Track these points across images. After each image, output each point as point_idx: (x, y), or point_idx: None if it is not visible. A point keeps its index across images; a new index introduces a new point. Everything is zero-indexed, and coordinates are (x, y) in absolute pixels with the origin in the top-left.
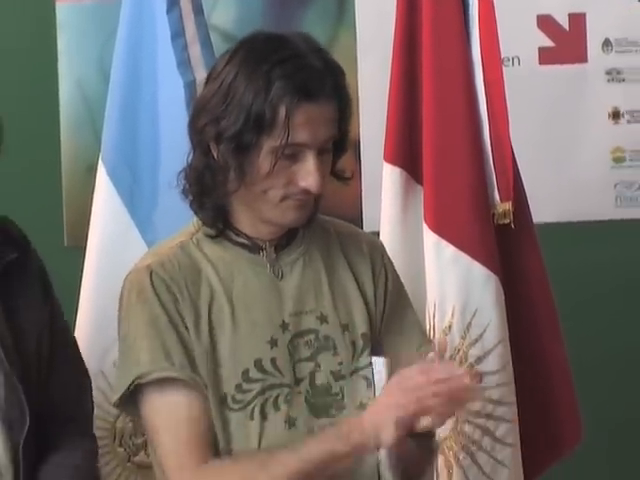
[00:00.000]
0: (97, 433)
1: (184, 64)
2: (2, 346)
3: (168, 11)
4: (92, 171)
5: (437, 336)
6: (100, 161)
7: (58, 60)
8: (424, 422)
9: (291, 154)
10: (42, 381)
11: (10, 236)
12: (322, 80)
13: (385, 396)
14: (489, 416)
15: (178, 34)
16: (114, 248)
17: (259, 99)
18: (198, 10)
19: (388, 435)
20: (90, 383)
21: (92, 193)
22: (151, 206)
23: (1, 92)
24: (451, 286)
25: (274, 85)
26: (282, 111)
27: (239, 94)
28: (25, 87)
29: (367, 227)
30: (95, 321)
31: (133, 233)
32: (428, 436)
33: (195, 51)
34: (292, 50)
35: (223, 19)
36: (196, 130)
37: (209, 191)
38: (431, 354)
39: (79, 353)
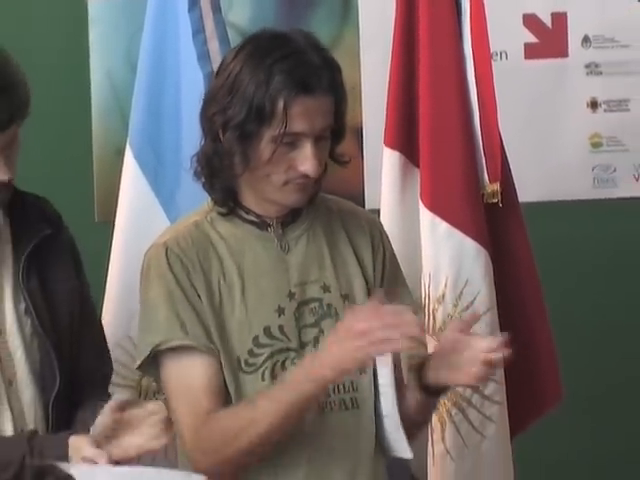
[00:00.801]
0: (125, 390)
1: (204, 57)
2: (37, 315)
3: (189, 10)
4: (120, 154)
5: (432, 305)
6: (127, 145)
7: (90, 53)
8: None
9: (290, 142)
10: (73, 347)
11: (45, 214)
12: (319, 75)
13: (339, 331)
14: None
15: (198, 30)
16: (140, 224)
17: (260, 92)
18: (216, 9)
19: (349, 365)
20: (108, 350)
21: (120, 174)
22: (174, 186)
23: (38, 82)
24: (444, 259)
25: (274, 79)
26: (280, 103)
27: (243, 86)
28: (60, 77)
29: (368, 205)
30: (122, 290)
31: (157, 211)
32: (439, 395)
33: (214, 46)
34: (293, 47)
35: (239, 17)
36: (206, 118)
37: (217, 174)
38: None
39: (101, 323)
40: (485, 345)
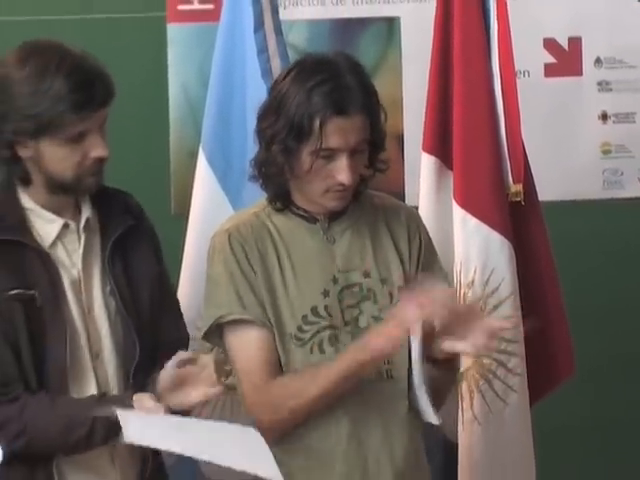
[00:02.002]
0: None
1: (267, 73)
2: (120, 296)
3: (255, 31)
4: (193, 156)
5: (463, 290)
6: (200, 149)
7: (168, 69)
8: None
9: (327, 155)
10: (153, 325)
11: (128, 206)
12: (354, 97)
13: (392, 314)
14: (503, 351)
15: (262, 50)
16: (210, 217)
17: (300, 111)
18: (278, 31)
19: (397, 341)
20: (185, 325)
21: (193, 173)
22: (240, 184)
23: (125, 95)
24: (474, 250)
25: (313, 100)
26: (317, 122)
27: (287, 106)
28: (142, 91)
29: (408, 202)
30: (195, 274)
31: (225, 205)
32: (450, 367)
33: (276, 63)
34: (333, 71)
35: (297, 38)
36: (259, 130)
37: (267, 178)
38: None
39: (178, 301)
40: (496, 322)
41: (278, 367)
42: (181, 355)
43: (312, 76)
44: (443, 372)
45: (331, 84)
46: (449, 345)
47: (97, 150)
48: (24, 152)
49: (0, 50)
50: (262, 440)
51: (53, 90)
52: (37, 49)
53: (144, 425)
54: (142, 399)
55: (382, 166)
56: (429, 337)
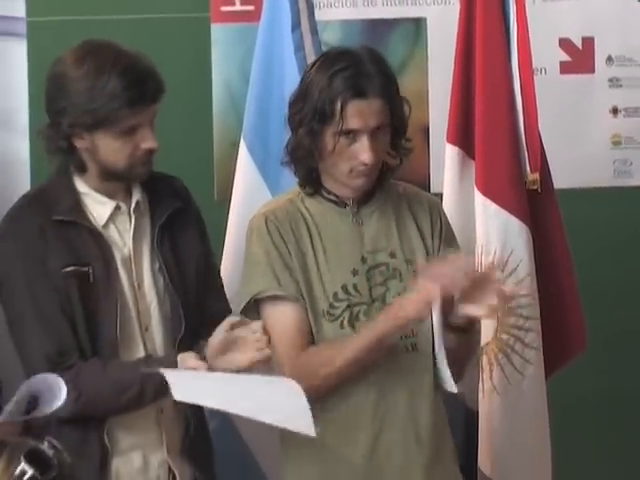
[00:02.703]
0: None
1: (303, 70)
2: (168, 273)
3: (292, 31)
4: (235, 146)
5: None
6: (241, 139)
7: (212, 67)
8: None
9: (349, 137)
10: (199, 300)
11: (176, 190)
12: (372, 82)
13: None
14: (520, 328)
15: (299, 48)
16: (250, 202)
17: (323, 96)
18: (314, 31)
19: (421, 308)
20: (227, 300)
21: (235, 162)
22: (278, 172)
23: (173, 90)
24: (493, 233)
25: (334, 85)
26: (338, 105)
27: (311, 92)
28: (188, 86)
29: (433, 190)
30: (236, 254)
31: (264, 191)
32: (469, 335)
33: (311, 60)
34: (354, 59)
35: (331, 37)
36: (290, 118)
37: (299, 162)
38: None
39: (221, 278)
40: (508, 287)
41: (311, 338)
42: (231, 319)
43: (334, 64)
44: (464, 341)
45: (351, 70)
46: (464, 309)
47: (147, 142)
48: (80, 143)
49: (54, 48)
50: (300, 391)
51: (109, 87)
52: (94, 49)
53: (189, 383)
54: (186, 358)
55: (405, 152)
56: (449, 305)
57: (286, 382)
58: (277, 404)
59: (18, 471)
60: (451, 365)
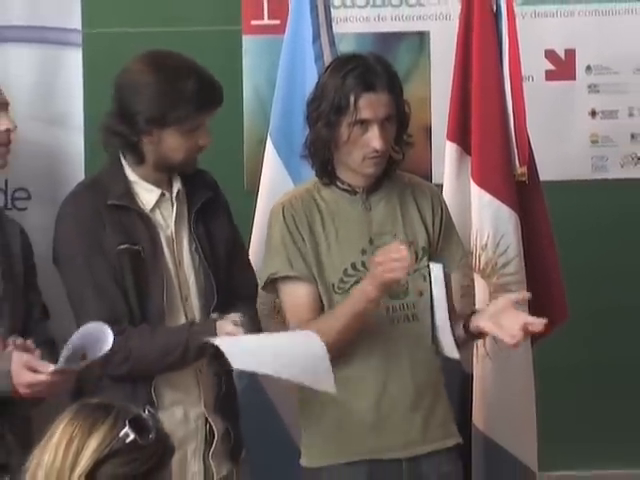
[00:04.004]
0: (265, 306)
1: None
2: (203, 253)
3: (313, 42)
4: (262, 143)
5: (478, 252)
6: (268, 136)
7: (243, 74)
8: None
9: (362, 126)
10: (229, 275)
11: (207, 182)
12: (379, 77)
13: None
14: None
15: (319, 57)
16: (276, 191)
17: (338, 91)
18: (332, 42)
19: (381, 285)
20: (255, 275)
21: (262, 156)
22: (300, 166)
23: None
24: (487, 220)
25: (347, 82)
26: (352, 98)
27: (327, 90)
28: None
29: (434, 181)
30: (263, 238)
31: (288, 182)
32: (476, 337)
33: None
34: (362, 61)
35: (347, 48)
36: (307, 116)
37: (315, 155)
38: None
39: (248, 255)
40: (529, 318)
41: (318, 312)
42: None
43: (346, 65)
44: (469, 337)
45: (361, 68)
46: (486, 326)
47: (204, 139)
48: (148, 139)
49: (104, 56)
50: (324, 350)
51: (185, 91)
52: (163, 58)
53: (239, 351)
54: (223, 325)
55: (407, 146)
56: (468, 317)
57: (313, 340)
58: (305, 366)
59: (122, 434)
60: (454, 337)
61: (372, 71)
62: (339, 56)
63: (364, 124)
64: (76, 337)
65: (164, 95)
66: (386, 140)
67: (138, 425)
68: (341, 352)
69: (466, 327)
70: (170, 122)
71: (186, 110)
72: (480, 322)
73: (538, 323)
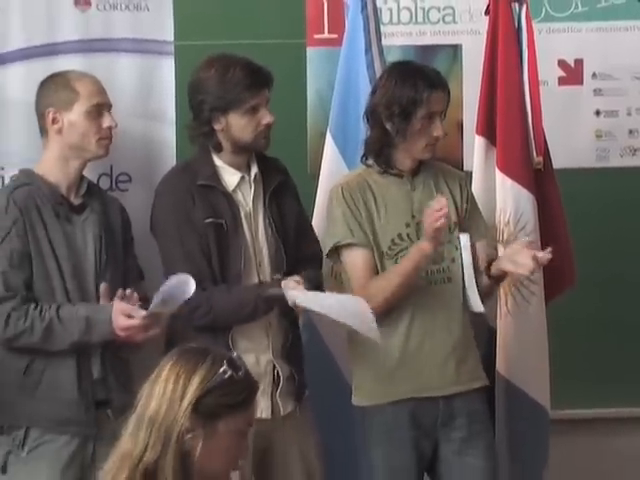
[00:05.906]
0: (323, 271)
1: (373, 82)
2: (275, 226)
3: (365, 53)
4: (323, 136)
5: (502, 227)
6: (328, 131)
7: (307, 79)
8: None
9: (429, 118)
10: (296, 245)
11: (279, 167)
12: (440, 79)
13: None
14: None
15: (370, 66)
16: (334, 175)
17: (412, 91)
18: (381, 53)
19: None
20: (319, 245)
21: (323, 147)
22: (353, 155)
23: (279, 97)
24: (509, 201)
25: (418, 84)
26: (425, 94)
27: (399, 92)
28: (290, 94)
29: (465, 169)
30: (323, 216)
31: (344, 168)
32: (498, 281)
33: (379, 74)
34: (423, 67)
35: (392, 58)
36: (373, 116)
37: (379, 149)
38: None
39: (313, 228)
40: (538, 253)
41: (374, 273)
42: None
43: (413, 73)
44: (493, 283)
45: (423, 73)
46: (505, 266)
47: (266, 118)
48: (217, 126)
49: (191, 62)
50: (368, 307)
51: (234, 78)
52: (216, 57)
53: (293, 293)
54: (288, 283)
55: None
56: (489, 264)
57: (359, 301)
58: (355, 314)
59: (221, 370)
60: (479, 294)
61: (433, 73)
62: (396, 64)
63: (431, 116)
64: (164, 287)
65: (219, 84)
66: (444, 130)
67: (233, 364)
68: (393, 306)
69: (489, 275)
70: (229, 106)
71: (238, 93)
72: (500, 264)
73: (545, 255)
